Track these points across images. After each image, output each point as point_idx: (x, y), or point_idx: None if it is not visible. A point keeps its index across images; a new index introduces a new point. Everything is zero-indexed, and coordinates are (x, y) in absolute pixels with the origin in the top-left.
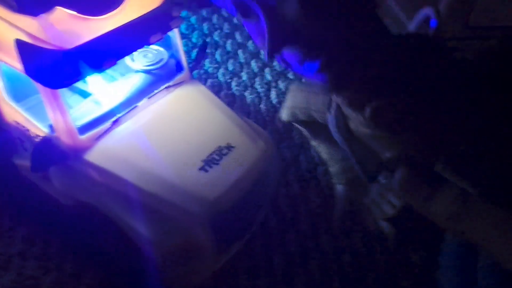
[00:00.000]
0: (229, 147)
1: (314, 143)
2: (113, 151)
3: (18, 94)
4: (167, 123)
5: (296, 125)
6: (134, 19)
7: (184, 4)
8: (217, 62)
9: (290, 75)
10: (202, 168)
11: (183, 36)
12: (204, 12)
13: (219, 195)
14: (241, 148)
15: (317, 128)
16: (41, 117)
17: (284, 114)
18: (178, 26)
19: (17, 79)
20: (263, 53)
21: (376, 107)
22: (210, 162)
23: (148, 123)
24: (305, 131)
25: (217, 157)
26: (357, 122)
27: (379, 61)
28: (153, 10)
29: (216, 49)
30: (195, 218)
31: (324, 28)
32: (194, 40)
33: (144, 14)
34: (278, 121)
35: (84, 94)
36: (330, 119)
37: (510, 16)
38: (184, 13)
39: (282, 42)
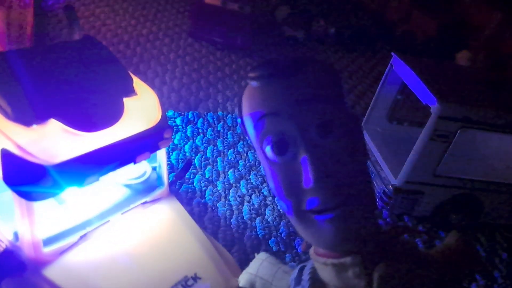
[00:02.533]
0: (195, 278)
1: None
2: (74, 269)
3: None
4: (137, 245)
5: None
6: (124, 138)
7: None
8: (195, 168)
9: (265, 191)
10: None
11: None
12: (190, 115)
13: None
14: (207, 280)
15: None
16: (5, 218)
17: (243, 279)
18: (167, 146)
19: None
20: (280, 201)
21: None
22: None
23: (116, 242)
24: None
25: None
26: None
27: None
28: (146, 130)
29: (196, 154)
30: None
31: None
32: (176, 141)
33: (136, 134)
34: (238, 284)
35: (58, 199)
36: None
37: (468, 170)
38: (171, 113)
39: (321, 180)
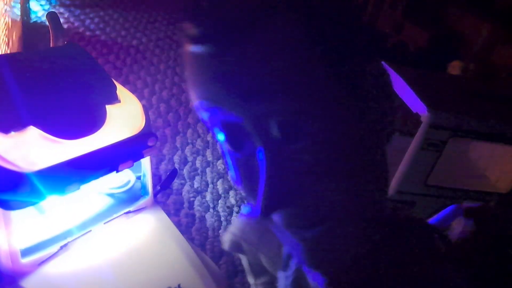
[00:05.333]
0: None
1: (251, 280)
2: (53, 281)
3: None
4: (119, 256)
5: (239, 254)
6: (107, 145)
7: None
8: (183, 178)
9: None
10: None
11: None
12: (178, 125)
13: None
14: None
15: (262, 269)
16: None
17: (228, 242)
18: (151, 154)
19: None
20: (248, 203)
21: None
22: None
23: (98, 253)
24: (245, 262)
25: None
26: None
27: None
28: (129, 138)
29: (184, 165)
30: None
31: (331, 191)
32: (164, 152)
33: (119, 141)
34: (222, 244)
35: (37, 208)
36: (283, 280)
37: (460, 180)
38: (160, 123)
39: (282, 199)
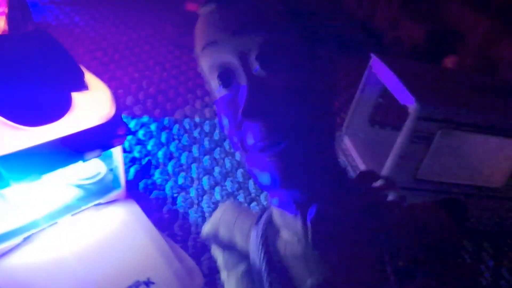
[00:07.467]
0: (148, 283)
1: (224, 275)
2: (14, 274)
3: None
4: (85, 248)
5: (213, 247)
6: (71, 133)
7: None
8: (167, 174)
9: (240, 197)
10: None
11: (138, 142)
12: (165, 121)
13: None
14: (162, 285)
15: (234, 257)
16: None
17: (207, 228)
18: (120, 144)
19: None
20: (225, 126)
21: (321, 210)
22: None
23: (64, 245)
24: (220, 259)
25: None
26: (289, 236)
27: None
28: (96, 126)
29: (169, 160)
30: None
31: (297, 114)
32: (149, 147)
33: (84, 129)
34: (201, 235)
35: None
36: (255, 234)
37: (451, 174)
38: (146, 119)
39: (256, 111)
